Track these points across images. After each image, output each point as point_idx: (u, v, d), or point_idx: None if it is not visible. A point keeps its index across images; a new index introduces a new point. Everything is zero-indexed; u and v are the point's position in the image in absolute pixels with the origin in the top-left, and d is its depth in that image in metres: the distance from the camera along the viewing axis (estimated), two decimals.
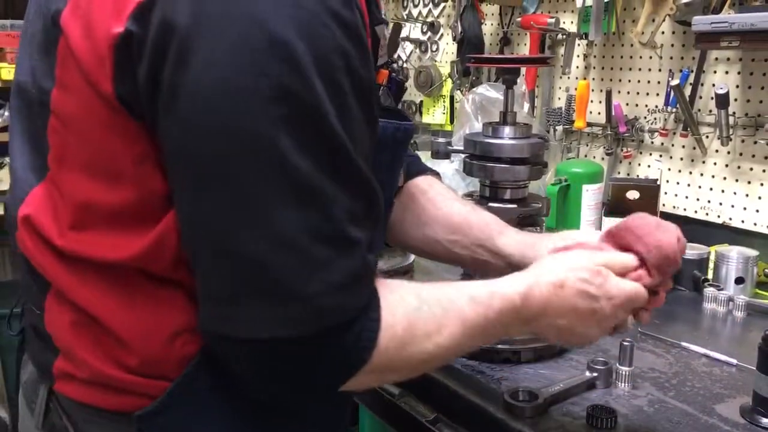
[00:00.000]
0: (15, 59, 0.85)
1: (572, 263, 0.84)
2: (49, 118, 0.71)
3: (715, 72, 1.62)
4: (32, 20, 0.77)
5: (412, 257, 1.54)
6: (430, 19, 2.39)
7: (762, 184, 1.57)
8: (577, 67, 1.93)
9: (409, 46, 2.49)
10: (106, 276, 0.71)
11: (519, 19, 1.97)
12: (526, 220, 1.16)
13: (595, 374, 1.03)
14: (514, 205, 1.15)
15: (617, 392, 1.03)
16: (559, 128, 1.94)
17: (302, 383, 0.69)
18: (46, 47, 0.72)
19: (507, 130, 1.15)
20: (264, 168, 0.61)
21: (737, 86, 1.58)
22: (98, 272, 0.71)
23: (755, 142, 1.55)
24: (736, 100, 1.57)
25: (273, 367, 0.67)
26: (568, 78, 1.95)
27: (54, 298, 0.76)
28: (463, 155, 1.20)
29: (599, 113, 1.85)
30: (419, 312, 0.73)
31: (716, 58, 1.61)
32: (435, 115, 2.36)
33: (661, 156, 1.75)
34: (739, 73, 1.58)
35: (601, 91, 1.84)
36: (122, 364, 0.72)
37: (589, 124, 1.87)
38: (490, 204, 1.15)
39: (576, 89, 1.88)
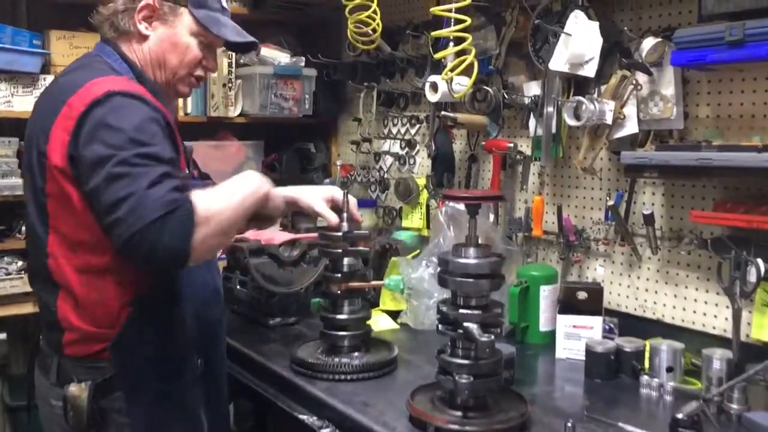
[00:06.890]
0: None
1: None
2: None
3: (644, 193, 1.96)
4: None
5: (396, 351, 1.80)
6: (407, 137, 2.73)
7: (686, 287, 1.88)
8: (534, 183, 2.27)
9: (389, 159, 2.83)
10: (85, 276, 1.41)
11: (483, 143, 2.32)
12: (488, 324, 1.43)
13: None
14: (479, 311, 1.42)
15: None
16: (520, 235, 2.25)
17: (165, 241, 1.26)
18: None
19: (471, 251, 1.44)
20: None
21: (662, 205, 1.91)
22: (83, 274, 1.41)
23: (679, 252, 1.87)
24: (662, 217, 1.90)
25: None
26: (526, 192, 2.28)
27: (63, 294, 1.42)
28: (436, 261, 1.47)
29: (553, 223, 2.17)
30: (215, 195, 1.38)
31: (645, 182, 1.95)
32: (413, 219, 2.67)
33: (604, 261, 2.07)
34: (663, 194, 1.92)
35: (554, 204, 2.17)
36: (94, 323, 1.42)
37: (545, 232, 2.19)
38: (461, 311, 1.43)
39: (533, 202, 2.20)
